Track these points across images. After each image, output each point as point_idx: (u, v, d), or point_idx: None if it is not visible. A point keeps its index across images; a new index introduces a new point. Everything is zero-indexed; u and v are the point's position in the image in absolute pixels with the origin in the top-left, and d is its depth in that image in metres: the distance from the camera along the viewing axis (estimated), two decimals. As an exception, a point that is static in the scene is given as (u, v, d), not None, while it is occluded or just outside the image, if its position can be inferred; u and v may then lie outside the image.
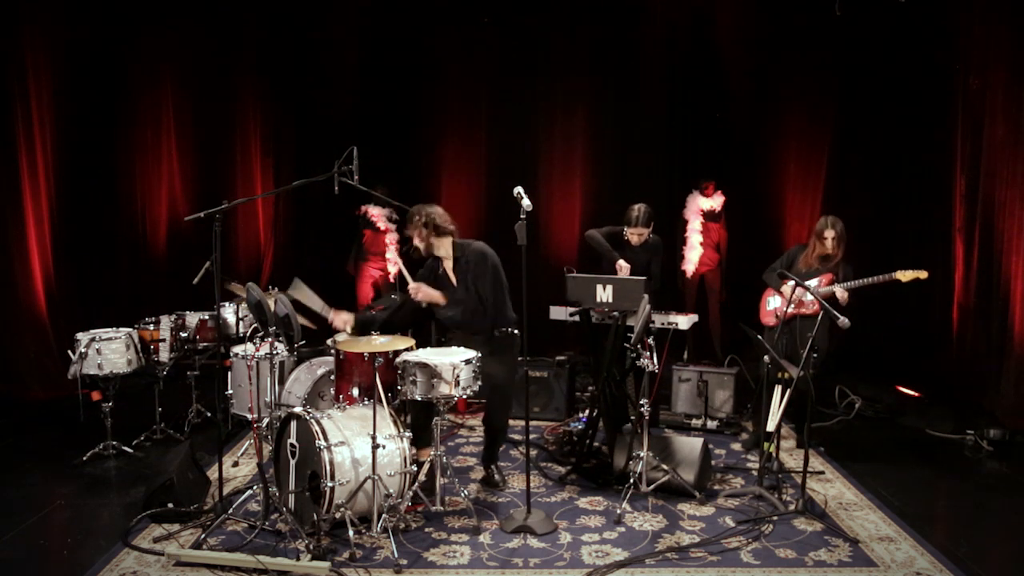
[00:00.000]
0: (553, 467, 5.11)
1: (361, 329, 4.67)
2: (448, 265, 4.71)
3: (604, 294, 4.89)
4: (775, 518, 4.25)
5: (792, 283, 5.14)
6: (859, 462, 5.18)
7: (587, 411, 5.51)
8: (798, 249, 5.45)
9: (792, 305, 5.19)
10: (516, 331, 4.71)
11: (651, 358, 4.37)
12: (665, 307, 5.50)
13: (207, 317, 5.65)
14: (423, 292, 4.61)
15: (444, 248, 4.69)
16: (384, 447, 4.06)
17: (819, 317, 4.38)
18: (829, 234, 5.20)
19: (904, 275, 4.99)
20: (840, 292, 5.09)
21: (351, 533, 3.90)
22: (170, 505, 4.20)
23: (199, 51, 7.71)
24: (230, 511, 4.21)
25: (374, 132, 7.83)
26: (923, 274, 4.98)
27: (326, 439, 3.98)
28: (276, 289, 4.87)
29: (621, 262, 5.37)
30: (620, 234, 5.48)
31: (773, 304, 5.43)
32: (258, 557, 3.70)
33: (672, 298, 7.14)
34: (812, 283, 5.13)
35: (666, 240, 5.90)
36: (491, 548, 3.97)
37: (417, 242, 4.65)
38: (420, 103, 8.11)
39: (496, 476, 4.80)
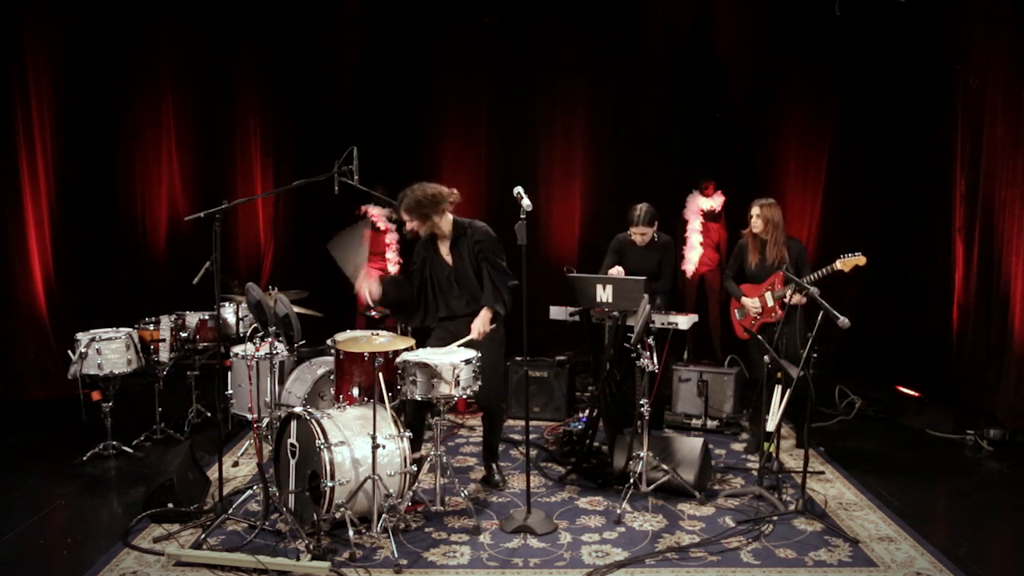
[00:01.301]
0: (553, 467, 5.11)
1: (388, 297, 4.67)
2: (444, 245, 4.61)
3: (604, 294, 4.89)
4: (775, 518, 4.25)
5: (753, 290, 5.18)
6: (859, 462, 5.18)
7: (587, 411, 5.51)
8: (740, 246, 5.38)
9: (759, 315, 5.20)
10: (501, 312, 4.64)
11: (651, 358, 4.37)
12: (665, 307, 5.49)
13: (207, 317, 5.65)
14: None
15: (445, 226, 4.57)
16: (384, 447, 4.06)
17: (819, 316, 4.36)
18: (755, 211, 5.19)
19: (845, 264, 4.93)
20: (791, 296, 4.91)
21: (351, 533, 3.90)
22: (170, 505, 4.20)
23: (199, 51, 7.71)
24: (230, 511, 4.21)
25: (374, 132, 7.83)
26: (861, 260, 4.91)
27: (326, 439, 3.98)
28: (276, 289, 4.87)
29: (613, 270, 5.34)
30: (623, 242, 5.48)
31: (740, 316, 5.40)
32: (258, 557, 3.70)
33: (672, 298, 7.14)
34: (780, 289, 5.10)
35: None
36: (491, 548, 3.97)
37: (419, 228, 4.49)
38: (420, 103, 8.11)
39: (496, 476, 4.79)
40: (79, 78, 7.01)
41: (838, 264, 4.93)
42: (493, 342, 4.60)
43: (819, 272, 4.96)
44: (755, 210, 5.21)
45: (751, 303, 5.25)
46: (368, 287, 4.54)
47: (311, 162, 7.04)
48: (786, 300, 4.93)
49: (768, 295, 5.19)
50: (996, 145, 6.09)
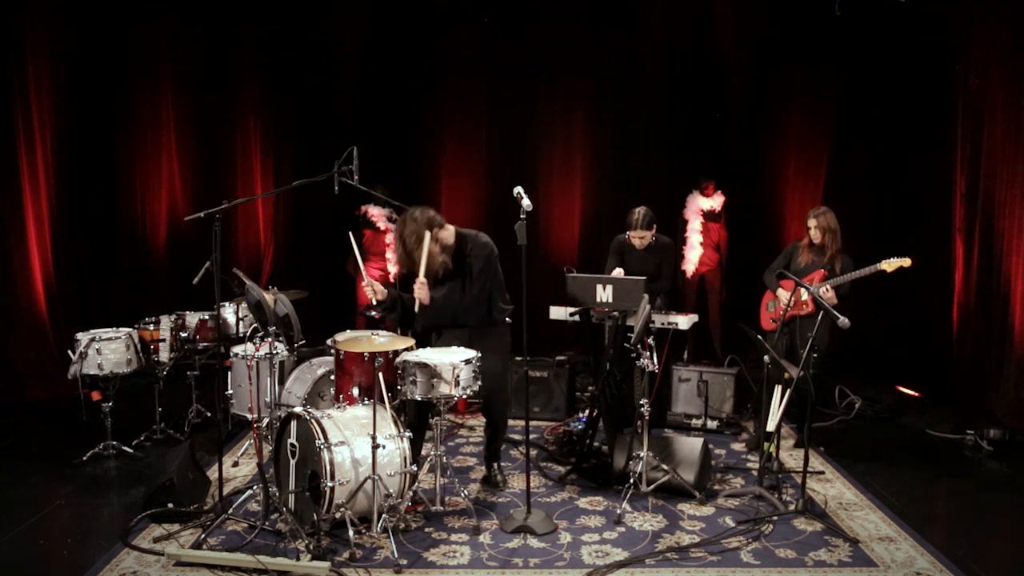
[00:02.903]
0: (553, 467, 5.11)
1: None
2: (449, 256, 4.59)
3: (604, 294, 4.89)
4: (775, 518, 4.25)
5: (790, 283, 5.17)
6: (859, 462, 5.18)
7: (587, 411, 5.51)
8: (794, 246, 5.45)
9: (790, 306, 5.20)
10: (508, 321, 4.66)
11: (651, 358, 4.37)
12: (665, 307, 5.50)
13: (207, 317, 5.65)
14: (422, 291, 4.44)
15: (448, 239, 4.55)
16: (384, 447, 4.06)
17: (819, 316, 4.38)
18: (812, 223, 5.26)
19: (889, 264, 4.98)
20: (824, 292, 5.00)
21: (351, 533, 3.90)
22: (170, 505, 4.20)
23: (199, 50, 7.70)
24: (230, 511, 4.21)
25: (374, 132, 7.83)
26: (906, 261, 4.96)
27: (326, 439, 3.98)
28: (276, 289, 4.86)
29: (616, 272, 5.35)
30: (623, 244, 5.49)
31: (773, 308, 5.44)
32: (258, 557, 3.70)
33: (672, 298, 7.16)
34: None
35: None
36: (491, 548, 3.98)
37: (442, 251, 4.44)
38: (420, 103, 8.11)
39: (496, 476, 4.79)
40: (79, 78, 7.00)
41: (882, 264, 4.99)
42: (499, 352, 4.61)
43: (862, 271, 5.00)
44: (811, 222, 5.27)
45: (784, 294, 5.27)
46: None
47: (311, 162, 7.03)
48: (819, 296, 4.95)
49: (802, 291, 5.19)
50: (996, 145, 6.10)
